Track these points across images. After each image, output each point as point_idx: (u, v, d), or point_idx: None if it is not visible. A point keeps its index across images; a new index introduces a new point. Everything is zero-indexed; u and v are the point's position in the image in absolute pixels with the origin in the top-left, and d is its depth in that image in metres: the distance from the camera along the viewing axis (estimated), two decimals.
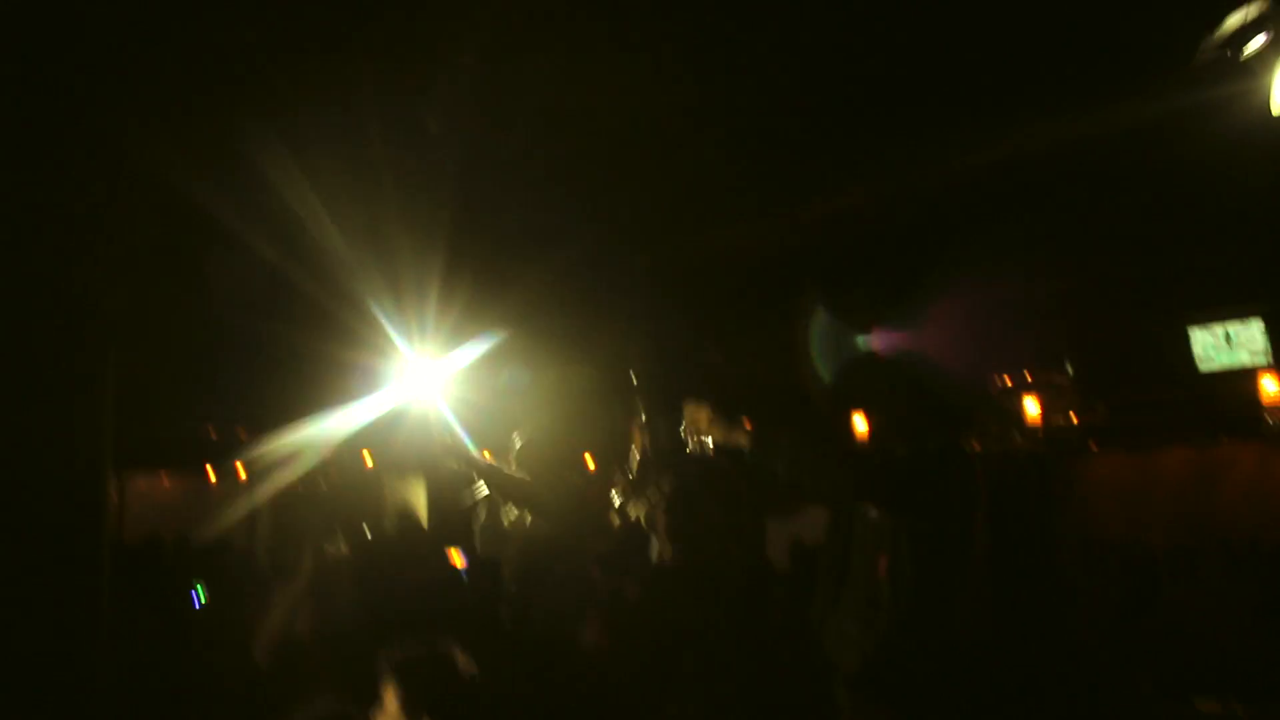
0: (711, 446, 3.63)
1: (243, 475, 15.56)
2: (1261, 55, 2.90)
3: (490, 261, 6.07)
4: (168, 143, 4.92)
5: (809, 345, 7.06)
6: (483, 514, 5.60)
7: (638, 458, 5.08)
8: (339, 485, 13.54)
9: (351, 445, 12.99)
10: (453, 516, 10.17)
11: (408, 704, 2.98)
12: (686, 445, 3.69)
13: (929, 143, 4.75)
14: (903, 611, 3.39)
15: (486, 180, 5.25)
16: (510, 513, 5.50)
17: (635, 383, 6.01)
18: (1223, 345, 7.89)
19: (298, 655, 4.38)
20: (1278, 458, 8.29)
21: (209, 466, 15.81)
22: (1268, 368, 7.65)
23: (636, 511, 5.17)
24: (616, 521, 5.30)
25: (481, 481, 5.47)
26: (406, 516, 13.50)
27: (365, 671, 4.05)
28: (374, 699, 3.05)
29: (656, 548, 5.42)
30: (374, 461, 13.58)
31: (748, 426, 3.53)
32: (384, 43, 4.32)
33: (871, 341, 7.46)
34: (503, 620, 5.65)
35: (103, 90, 4.57)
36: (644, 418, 5.02)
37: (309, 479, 13.68)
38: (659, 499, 5.25)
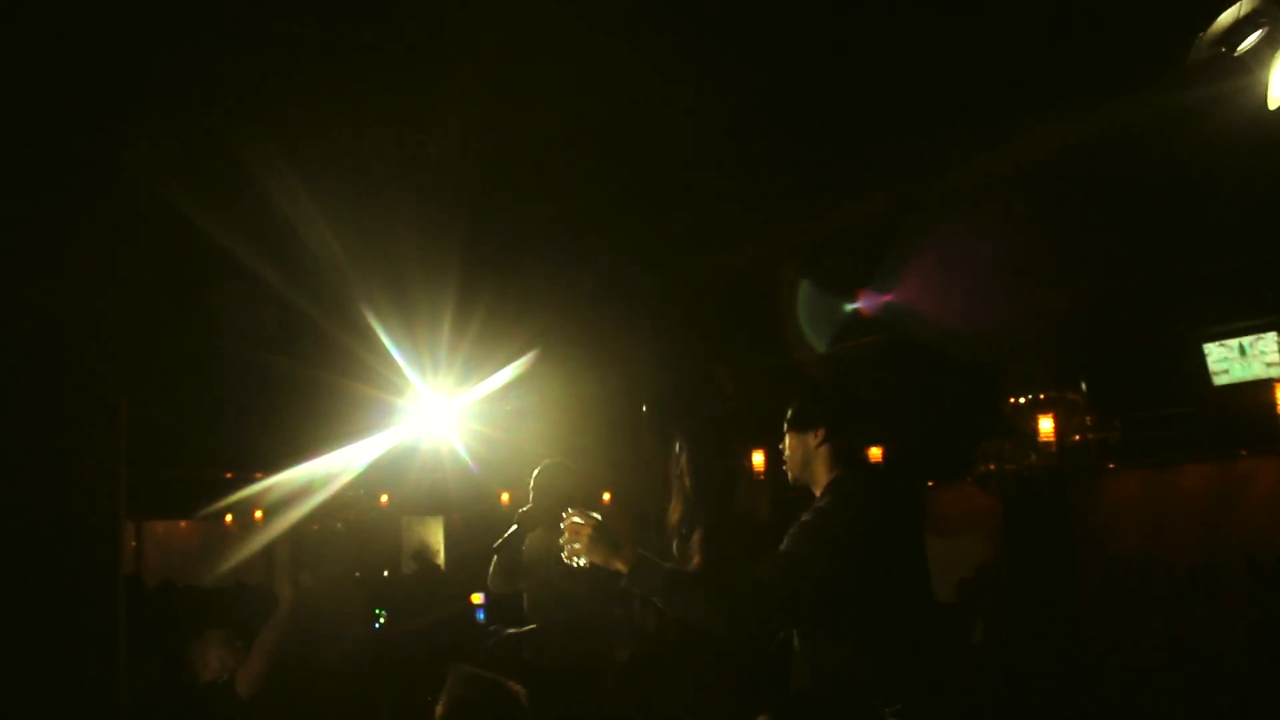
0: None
1: (259, 517, 15.57)
2: (1256, 51, 2.88)
3: (502, 294, 6.09)
4: (179, 176, 4.97)
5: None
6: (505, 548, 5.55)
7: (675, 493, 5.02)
8: (355, 526, 13.57)
9: (367, 486, 13.05)
10: (472, 557, 10.18)
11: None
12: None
13: (927, 153, 4.75)
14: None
15: (497, 208, 5.28)
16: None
17: (646, 412, 6.00)
18: (1236, 357, 7.84)
19: (285, 688, 4.41)
20: None
21: (226, 511, 15.85)
22: None
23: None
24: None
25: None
26: (424, 556, 13.51)
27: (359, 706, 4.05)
28: None
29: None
30: (389, 502, 13.62)
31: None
32: (393, 69, 4.35)
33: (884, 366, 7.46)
34: (524, 658, 5.63)
35: (114, 124, 4.61)
36: (683, 456, 4.90)
37: (325, 521, 13.71)
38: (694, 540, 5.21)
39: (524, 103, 4.50)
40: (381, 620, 8.13)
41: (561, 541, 3.28)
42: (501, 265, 5.96)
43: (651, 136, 4.71)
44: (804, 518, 3.21)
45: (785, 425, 3.42)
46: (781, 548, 3.15)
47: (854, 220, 5.41)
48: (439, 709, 2.98)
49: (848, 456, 3.33)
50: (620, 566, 3.18)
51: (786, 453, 3.41)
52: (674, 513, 5.05)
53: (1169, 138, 4.37)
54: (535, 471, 5.49)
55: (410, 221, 5.42)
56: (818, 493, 3.34)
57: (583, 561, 3.24)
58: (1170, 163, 4.82)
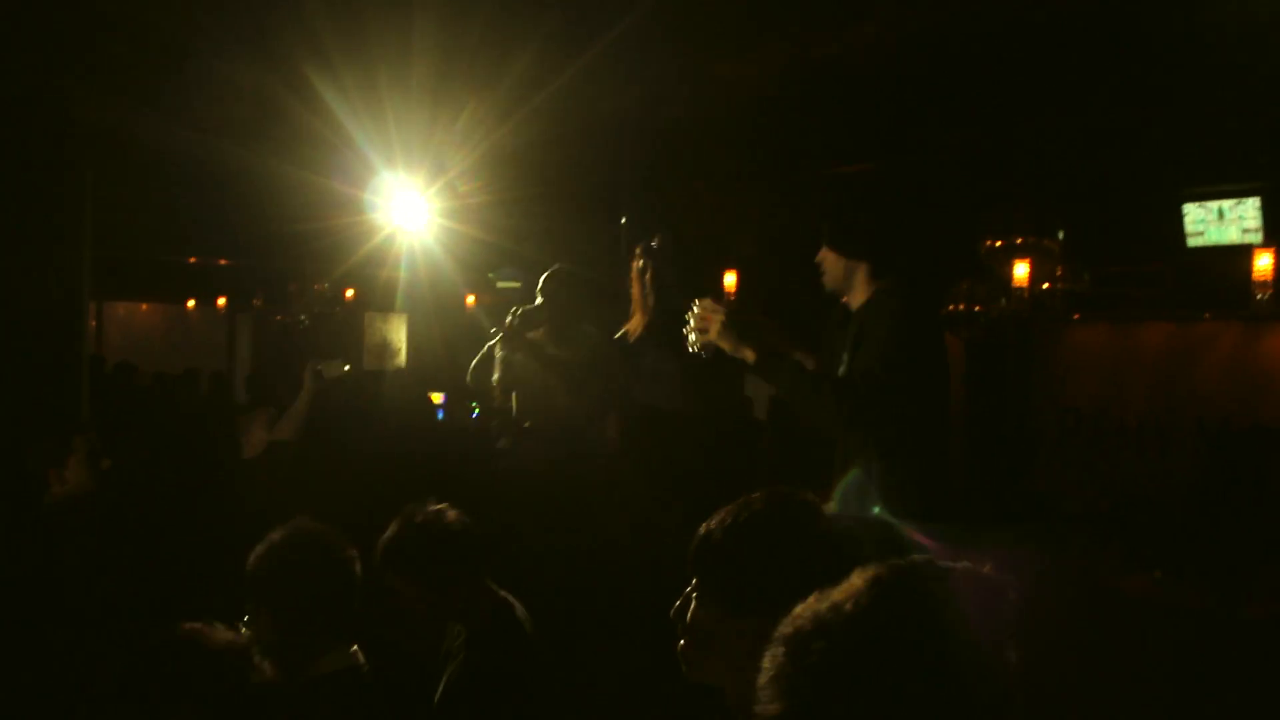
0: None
1: (222, 305, 15.48)
2: None
3: (476, 95, 5.91)
4: None
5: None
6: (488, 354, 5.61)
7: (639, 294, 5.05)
8: (319, 319, 13.52)
9: (334, 280, 12.96)
10: (431, 355, 10.21)
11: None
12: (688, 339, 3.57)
13: None
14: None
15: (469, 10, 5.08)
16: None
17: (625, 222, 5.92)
18: (1214, 220, 7.84)
19: (284, 458, 4.62)
20: (1259, 337, 8.30)
21: (189, 296, 15.74)
22: (1260, 246, 7.60)
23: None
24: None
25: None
26: (386, 355, 13.49)
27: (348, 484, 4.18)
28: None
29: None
30: (356, 296, 13.54)
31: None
32: None
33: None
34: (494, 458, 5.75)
35: None
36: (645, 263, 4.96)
37: (290, 312, 13.66)
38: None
39: None
40: (477, 411, 8.07)
41: (689, 328, 3.48)
42: (475, 68, 5.77)
43: None
44: (878, 328, 3.38)
45: (825, 240, 3.55)
46: (874, 353, 3.33)
47: (844, 49, 5.27)
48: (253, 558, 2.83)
49: (888, 269, 3.50)
50: (748, 355, 3.38)
51: (825, 265, 3.57)
52: (634, 326, 5.11)
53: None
54: (546, 274, 5.49)
55: (384, 11, 5.25)
56: (856, 302, 3.53)
57: (703, 344, 3.44)
58: (1171, 25, 4.71)
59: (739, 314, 3.45)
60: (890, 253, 3.52)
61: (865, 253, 3.50)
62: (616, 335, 5.26)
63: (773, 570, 1.73)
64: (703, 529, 1.84)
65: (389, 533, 3.06)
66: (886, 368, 3.29)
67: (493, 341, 5.51)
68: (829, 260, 3.56)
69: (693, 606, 1.82)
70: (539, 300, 5.47)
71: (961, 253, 8.47)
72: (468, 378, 5.70)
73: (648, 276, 4.94)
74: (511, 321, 5.42)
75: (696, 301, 3.49)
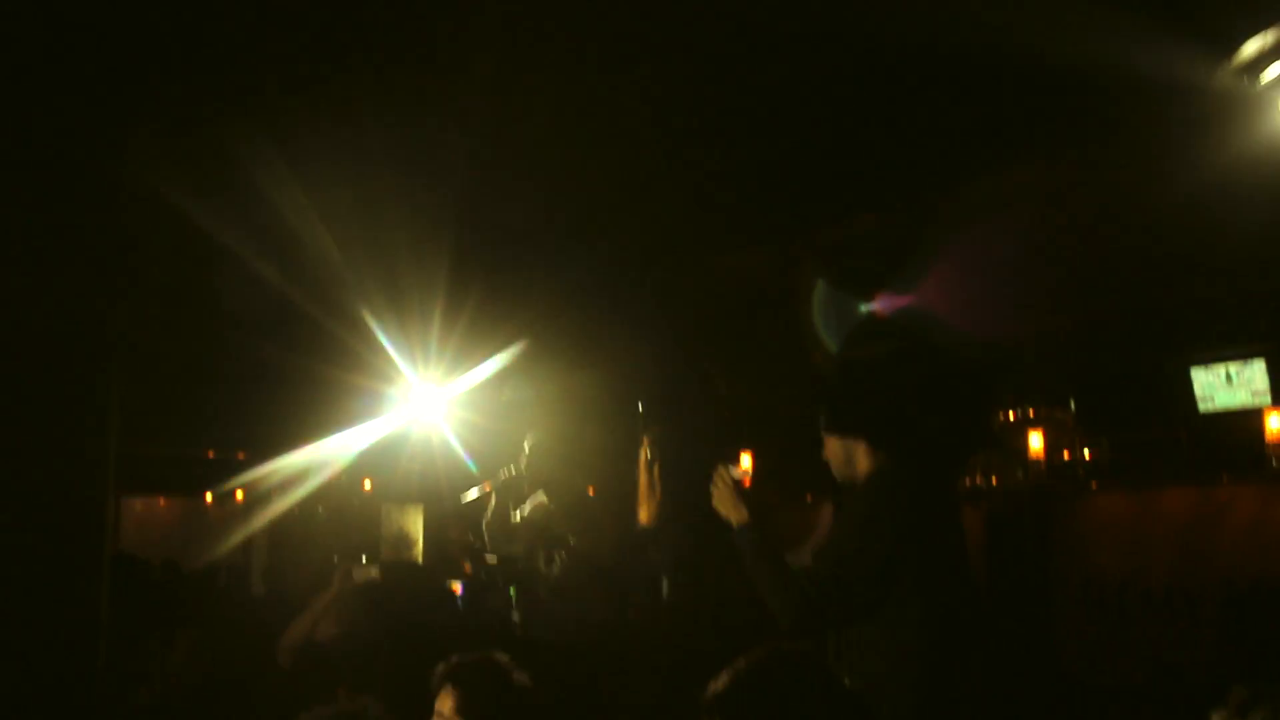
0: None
1: (239, 499, 15.48)
2: (1277, 84, 2.91)
3: (494, 285, 6.09)
4: (171, 160, 4.97)
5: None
6: (489, 510, 5.63)
7: (646, 484, 5.02)
8: (336, 512, 13.50)
9: (352, 471, 12.99)
10: (450, 546, 10.16)
11: (465, 708, 2.99)
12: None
13: (927, 171, 4.77)
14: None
15: (491, 199, 5.28)
16: (521, 511, 5.53)
17: (641, 409, 6.01)
18: (1223, 384, 7.89)
19: (316, 659, 4.66)
20: (1278, 498, 8.25)
21: (206, 490, 15.76)
22: (1271, 406, 7.63)
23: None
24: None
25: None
26: (402, 547, 13.43)
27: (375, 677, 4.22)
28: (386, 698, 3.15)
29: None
30: (373, 488, 13.54)
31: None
32: (387, 59, 4.35)
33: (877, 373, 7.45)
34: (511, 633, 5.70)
35: (105, 106, 4.61)
36: (652, 454, 4.99)
37: (306, 504, 13.64)
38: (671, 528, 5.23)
39: (520, 96, 4.52)
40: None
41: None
42: (494, 257, 5.97)
43: (655, 134, 4.72)
44: (854, 509, 3.42)
45: (824, 427, 3.59)
46: (838, 544, 3.34)
47: (854, 232, 5.43)
48: None
49: (888, 449, 3.50)
50: (733, 520, 3.44)
51: (828, 454, 3.59)
52: (644, 512, 5.08)
53: (1176, 166, 4.39)
54: (531, 441, 5.52)
55: (403, 212, 5.45)
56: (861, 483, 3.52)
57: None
58: (1167, 193, 4.84)
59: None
60: (883, 428, 3.53)
61: (858, 429, 3.51)
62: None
63: None
64: (711, 686, 1.93)
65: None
66: (842, 568, 3.27)
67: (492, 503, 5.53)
68: (831, 447, 3.58)
69: None
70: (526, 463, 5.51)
71: (975, 426, 8.51)
72: (485, 537, 5.68)
73: (655, 468, 4.97)
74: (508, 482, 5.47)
75: (723, 465, 3.55)
